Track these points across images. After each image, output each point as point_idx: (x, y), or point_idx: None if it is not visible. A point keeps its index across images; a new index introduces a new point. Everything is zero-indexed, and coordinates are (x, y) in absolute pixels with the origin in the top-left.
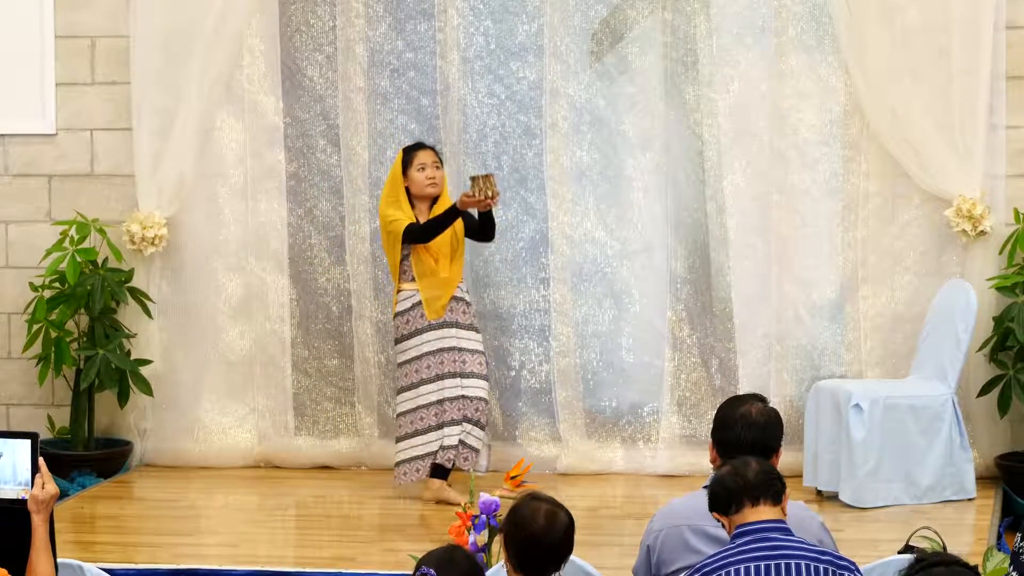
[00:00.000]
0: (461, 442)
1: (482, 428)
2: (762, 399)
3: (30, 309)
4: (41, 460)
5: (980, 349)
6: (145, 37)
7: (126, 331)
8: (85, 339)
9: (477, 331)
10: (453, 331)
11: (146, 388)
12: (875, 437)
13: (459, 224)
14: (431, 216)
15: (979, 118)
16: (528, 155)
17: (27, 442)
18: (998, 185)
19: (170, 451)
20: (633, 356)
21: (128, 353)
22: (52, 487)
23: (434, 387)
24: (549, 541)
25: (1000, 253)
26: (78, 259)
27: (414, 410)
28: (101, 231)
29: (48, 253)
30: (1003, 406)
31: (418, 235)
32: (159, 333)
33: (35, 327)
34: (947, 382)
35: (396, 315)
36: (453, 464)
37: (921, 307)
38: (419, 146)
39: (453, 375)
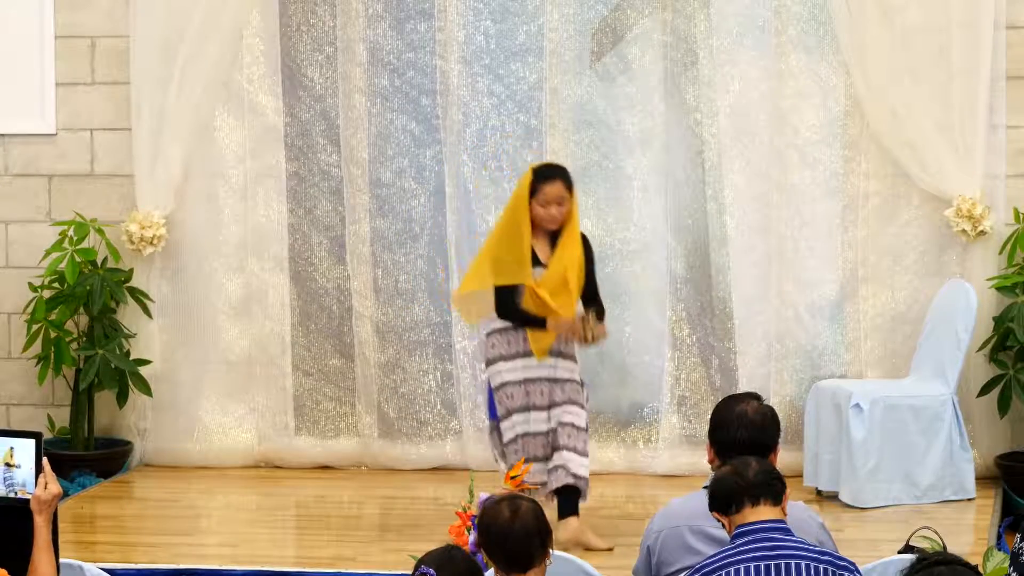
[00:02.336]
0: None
1: (582, 455)
2: (758, 397)
3: (30, 309)
4: (45, 460)
5: (980, 349)
6: (145, 37)
7: (126, 331)
8: (85, 339)
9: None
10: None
11: (145, 388)
12: (875, 437)
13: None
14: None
15: (979, 118)
16: (528, 155)
17: (31, 442)
18: (998, 185)
19: (170, 451)
20: (633, 356)
21: (127, 353)
22: (55, 487)
23: (523, 417)
24: (521, 528)
25: (1000, 253)
26: (77, 259)
27: (519, 437)
28: (100, 231)
29: (48, 253)
30: (1003, 406)
31: (505, 311)
32: (159, 333)
33: (35, 327)
34: (947, 382)
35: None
36: (581, 492)
37: (921, 307)
38: (548, 176)
39: (540, 407)
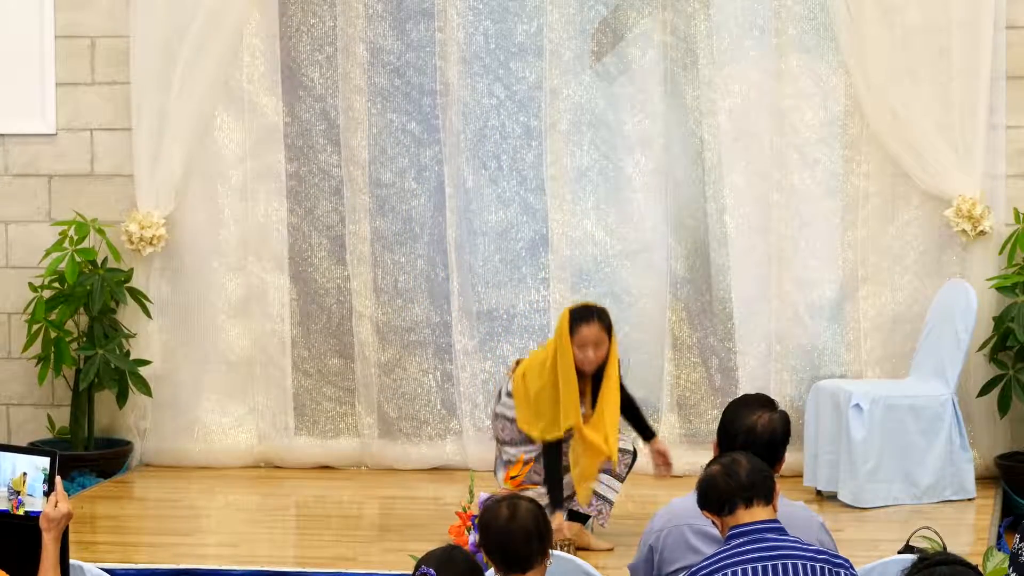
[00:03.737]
0: (594, 492)
1: (620, 480)
2: (770, 404)
3: (30, 309)
4: (58, 479)
5: (980, 349)
6: (145, 37)
7: (125, 331)
8: (85, 339)
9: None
10: None
11: (145, 388)
12: (875, 437)
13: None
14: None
15: (979, 118)
16: (528, 155)
17: (46, 460)
18: (998, 185)
19: (170, 451)
20: (633, 356)
21: (127, 353)
22: (65, 506)
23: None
24: (520, 528)
25: (1000, 253)
26: (77, 259)
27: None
28: (100, 231)
29: (48, 253)
30: (1003, 406)
31: (549, 472)
32: (159, 333)
33: (35, 327)
34: (947, 382)
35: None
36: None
37: (921, 307)
38: (584, 318)
39: None
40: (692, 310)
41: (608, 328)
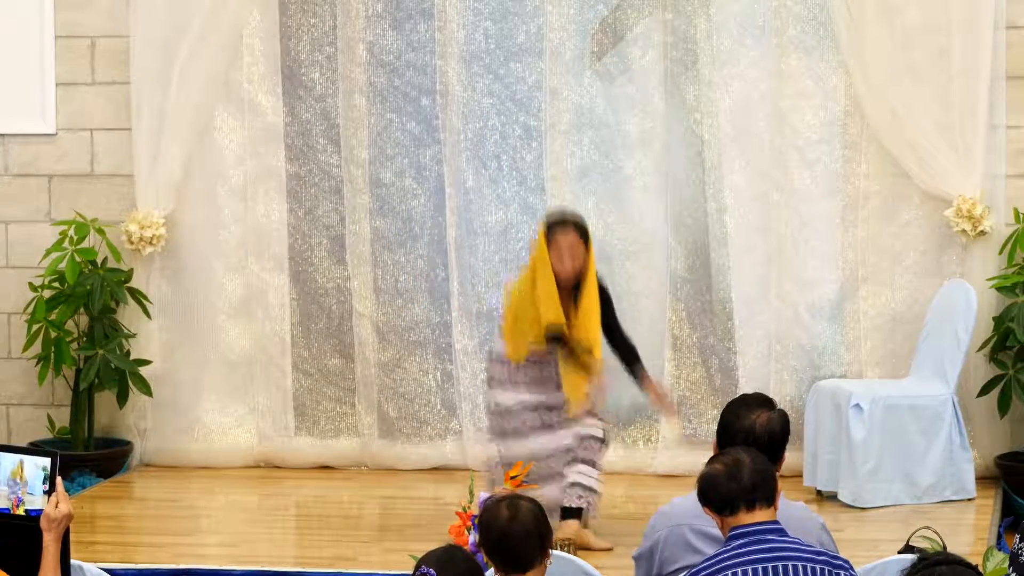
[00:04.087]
0: (578, 483)
1: (594, 466)
2: (769, 403)
3: (30, 309)
4: (59, 480)
5: (980, 349)
6: (145, 37)
7: (126, 331)
8: (85, 339)
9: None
10: None
11: (145, 388)
12: (875, 437)
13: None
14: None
15: (979, 118)
16: (528, 155)
17: (47, 460)
18: (998, 185)
19: (170, 451)
20: None
21: (128, 353)
22: (65, 507)
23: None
24: (520, 528)
25: (1000, 253)
26: (77, 259)
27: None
28: (100, 231)
29: (48, 253)
30: (1003, 406)
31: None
32: (159, 333)
33: (35, 327)
34: (947, 382)
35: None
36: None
37: (921, 307)
38: (559, 225)
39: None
40: (692, 310)
41: (584, 235)
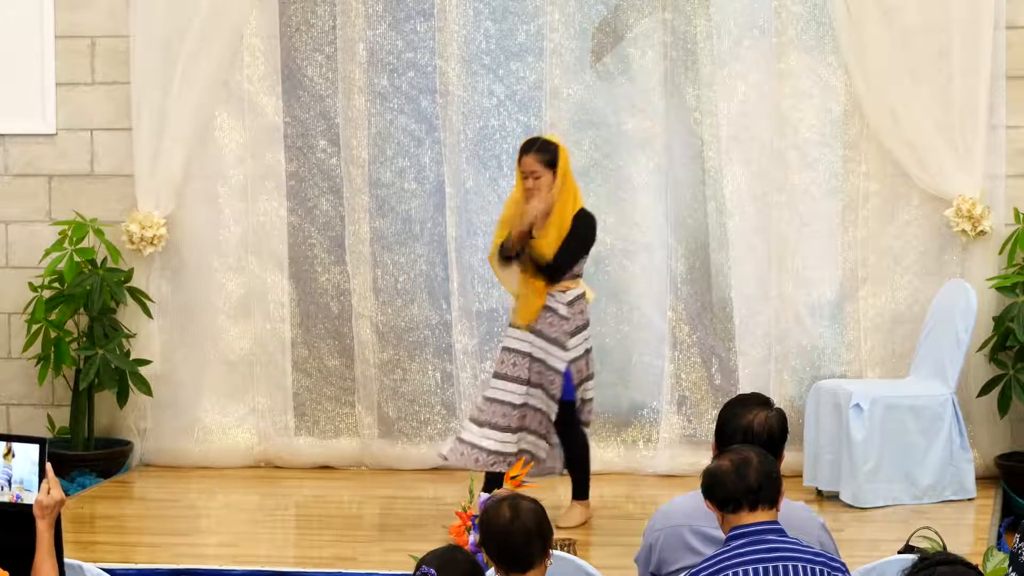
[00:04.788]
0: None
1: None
2: (766, 403)
3: (30, 309)
4: (48, 466)
5: (980, 349)
6: (145, 37)
7: (125, 331)
8: (85, 339)
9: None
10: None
11: (146, 388)
12: (875, 437)
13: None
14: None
15: (979, 118)
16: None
17: (35, 447)
18: (998, 185)
19: (170, 451)
20: (633, 356)
21: (128, 353)
22: (58, 493)
23: (523, 390)
24: (522, 528)
25: (1000, 253)
26: (77, 259)
27: (501, 402)
28: (99, 231)
29: (47, 253)
30: (1003, 406)
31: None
32: (159, 333)
33: (35, 327)
34: (947, 382)
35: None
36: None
37: (921, 307)
38: (525, 148)
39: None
40: (692, 310)
41: (548, 161)
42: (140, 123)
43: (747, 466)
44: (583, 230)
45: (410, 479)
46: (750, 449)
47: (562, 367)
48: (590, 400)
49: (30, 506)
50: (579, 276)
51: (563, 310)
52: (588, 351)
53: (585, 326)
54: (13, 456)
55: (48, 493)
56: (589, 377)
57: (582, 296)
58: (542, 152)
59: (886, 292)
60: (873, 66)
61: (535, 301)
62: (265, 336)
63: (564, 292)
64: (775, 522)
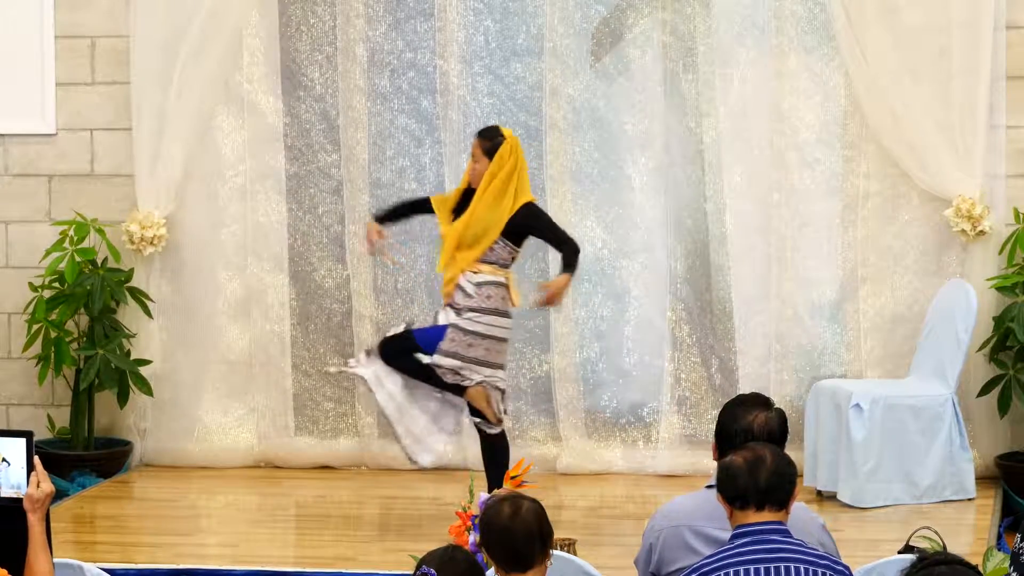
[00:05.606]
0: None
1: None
2: (766, 403)
3: (30, 309)
4: (37, 459)
5: (980, 349)
6: (145, 37)
7: (126, 331)
8: (85, 339)
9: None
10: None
11: (146, 388)
12: (875, 437)
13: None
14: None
15: (979, 118)
16: (528, 155)
17: (22, 441)
18: (998, 185)
19: (170, 451)
20: (633, 356)
21: (128, 353)
22: (47, 486)
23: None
24: (522, 528)
25: (1000, 253)
26: (77, 259)
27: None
28: (100, 231)
29: (48, 253)
30: (1003, 406)
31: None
32: (159, 333)
33: (35, 327)
34: (947, 382)
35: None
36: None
37: (921, 307)
38: (476, 133)
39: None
40: (692, 310)
41: (488, 149)
42: (140, 123)
43: (760, 465)
44: (541, 210)
45: (410, 479)
46: (768, 448)
47: (443, 322)
48: (503, 391)
49: (19, 500)
50: (505, 267)
51: (469, 288)
52: (488, 336)
53: (489, 311)
54: (8, 464)
55: (38, 486)
56: (493, 365)
57: (497, 285)
58: (483, 138)
59: (886, 292)
60: (873, 66)
61: (452, 278)
62: (265, 336)
63: (476, 273)
64: (781, 523)
